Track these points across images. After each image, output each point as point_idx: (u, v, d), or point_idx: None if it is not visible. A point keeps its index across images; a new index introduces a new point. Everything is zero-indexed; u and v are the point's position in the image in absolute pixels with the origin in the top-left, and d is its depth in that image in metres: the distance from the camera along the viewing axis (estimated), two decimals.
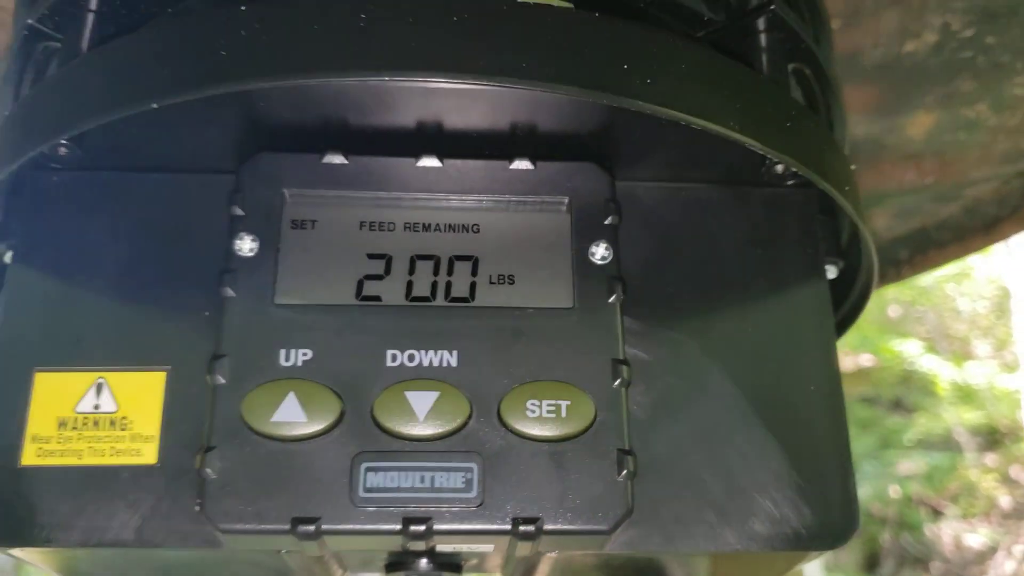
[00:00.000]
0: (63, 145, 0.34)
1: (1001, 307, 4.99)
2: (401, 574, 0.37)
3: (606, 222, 0.34)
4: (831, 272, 0.38)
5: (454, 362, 0.32)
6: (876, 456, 4.51)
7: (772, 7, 0.34)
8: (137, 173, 0.36)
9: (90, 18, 0.35)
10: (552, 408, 0.31)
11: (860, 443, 4.56)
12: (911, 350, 4.53)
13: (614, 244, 0.34)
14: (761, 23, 0.35)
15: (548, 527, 0.30)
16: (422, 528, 0.30)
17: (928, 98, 0.52)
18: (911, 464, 4.46)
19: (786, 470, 0.33)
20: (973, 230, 0.64)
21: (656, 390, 0.33)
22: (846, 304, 0.41)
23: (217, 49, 0.29)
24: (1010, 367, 4.60)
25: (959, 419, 4.46)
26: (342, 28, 0.28)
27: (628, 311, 0.34)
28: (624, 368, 0.32)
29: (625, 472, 0.31)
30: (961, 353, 4.85)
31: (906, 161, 0.58)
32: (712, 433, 0.33)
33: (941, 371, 4.49)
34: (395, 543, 0.31)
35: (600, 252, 0.34)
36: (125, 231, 0.35)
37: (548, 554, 0.33)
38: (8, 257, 0.35)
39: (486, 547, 0.32)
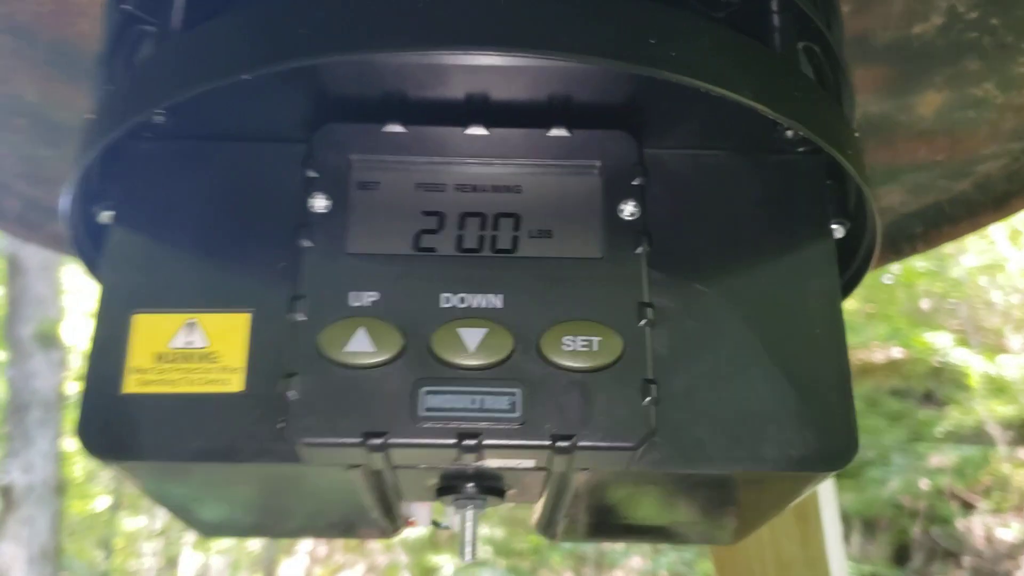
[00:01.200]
0: (160, 114, 0.39)
1: None
2: (451, 497, 0.42)
3: (634, 183, 0.39)
4: (839, 232, 0.42)
5: (499, 304, 0.37)
6: (907, 449, 4.50)
7: None
8: (221, 142, 0.40)
9: (181, 2, 0.39)
10: (585, 343, 0.36)
11: (890, 435, 4.56)
12: (943, 342, 4.51)
13: (641, 202, 0.38)
14: (774, 4, 0.39)
15: (582, 443, 0.34)
16: (473, 442, 0.34)
17: (937, 78, 0.56)
18: (942, 457, 4.45)
19: (792, 401, 0.37)
20: (984, 205, 0.68)
21: (677, 331, 0.38)
22: (855, 261, 0.45)
23: (294, 28, 0.33)
24: None
25: (991, 412, 4.43)
26: (402, 7, 0.32)
27: (653, 263, 0.38)
28: (648, 310, 0.37)
29: (649, 399, 0.35)
30: (994, 346, 4.82)
31: (918, 138, 0.61)
32: (726, 369, 0.37)
33: (973, 364, 4.46)
34: (450, 457, 0.35)
35: (628, 209, 0.38)
36: (210, 192, 0.40)
37: (580, 473, 0.38)
38: (104, 217, 0.40)
39: (527, 463, 0.36)
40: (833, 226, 0.41)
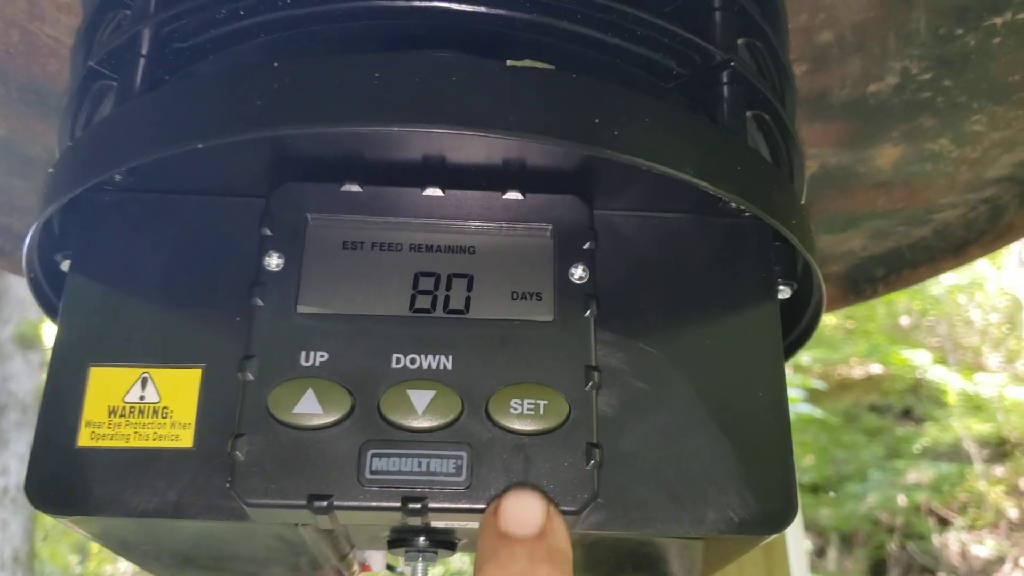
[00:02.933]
0: (118, 173, 0.39)
1: (1013, 319, 5.00)
2: (402, 550, 0.43)
3: (584, 247, 0.40)
4: (785, 293, 0.43)
5: (449, 365, 0.37)
6: (884, 465, 4.53)
7: (732, 64, 0.39)
8: (180, 195, 0.41)
9: (142, 62, 0.40)
10: (532, 406, 0.37)
11: (868, 451, 4.59)
12: (921, 360, 4.54)
13: (591, 266, 0.39)
14: (724, 76, 0.40)
15: None
16: (419, 506, 0.35)
17: (893, 133, 0.57)
18: (919, 473, 4.48)
19: (735, 465, 0.38)
20: (943, 252, 0.69)
21: (624, 392, 0.39)
22: (801, 323, 0.46)
23: (254, 98, 0.34)
24: (1021, 379, 4.60)
25: (968, 430, 4.47)
26: (359, 84, 0.33)
27: (602, 324, 0.39)
28: (595, 373, 0.37)
29: (592, 462, 0.36)
30: (972, 364, 4.86)
31: (877, 188, 0.63)
32: (672, 432, 0.38)
33: (951, 381, 4.49)
34: (395, 519, 0.36)
35: (578, 273, 0.39)
36: (168, 246, 0.40)
37: None
38: (66, 266, 0.41)
39: (473, 524, 0.37)
40: (780, 287, 0.42)
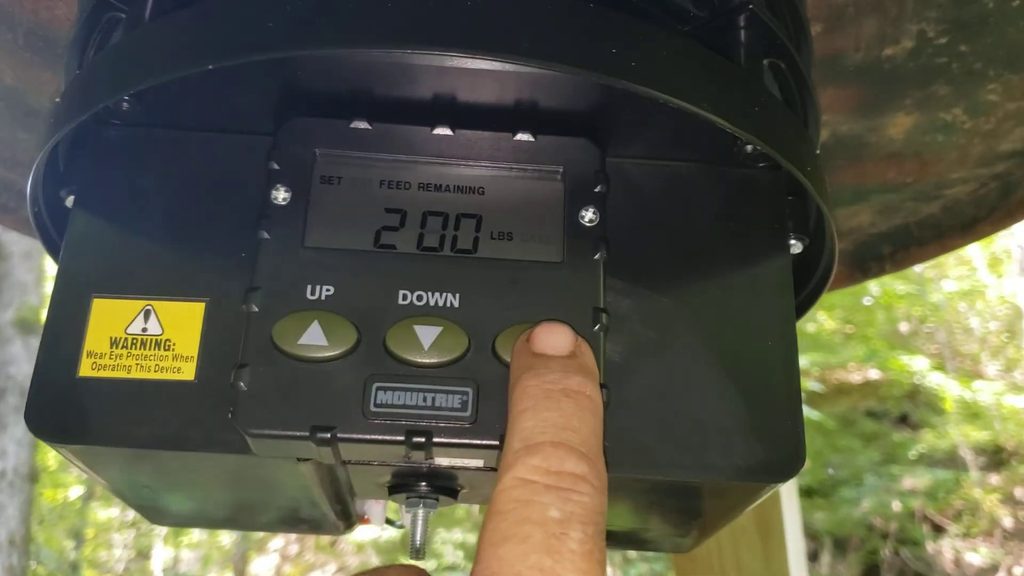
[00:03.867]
0: (125, 101, 0.39)
1: (1013, 328, 5.00)
2: (403, 496, 0.42)
3: (595, 190, 0.39)
4: (797, 247, 0.42)
5: (456, 303, 0.37)
6: (880, 470, 4.53)
7: (751, 6, 0.39)
8: (188, 132, 0.40)
9: None
10: None
11: (864, 456, 4.59)
12: (919, 366, 4.54)
13: (601, 209, 0.39)
14: (741, 20, 0.40)
15: None
16: (423, 439, 0.34)
17: (907, 100, 0.56)
18: (915, 480, 4.48)
19: (742, 412, 0.37)
20: (952, 229, 0.69)
21: (631, 338, 0.38)
22: (813, 279, 0.45)
23: (263, 21, 0.33)
24: (1019, 387, 4.61)
25: (965, 437, 4.47)
26: (371, 6, 0.33)
27: (612, 270, 0.39)
28: (603, 315, 0.37)
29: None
30: (970, 371, 4.86)
31: (887, 160, 0.62)
32: (678, 378, 0.38)
33: (949, 388, 4.50)
34: (399, 453, 0.35)
35: (588, 215, 0.39)
36: (174, 181, 0.40)
37: None
38: (70, 201, 0.40)
39: (476, 462, 0.36)
40: (792, 241, 0.42)
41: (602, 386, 0.36)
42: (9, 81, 0.60)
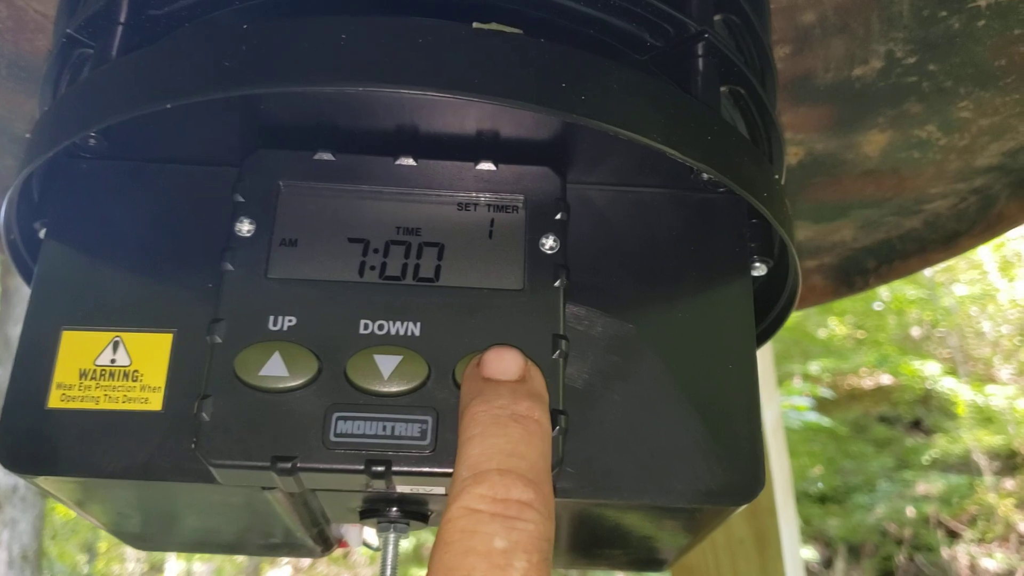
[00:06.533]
0: (92, 137, 0.40)
1: None
2: (374, 520, 0.43)
3: (556, 218, 0.40)
4: (761, 269, 0.43)
5: (417, 332, 0.37)
6: (893, 476, 4.51)
7: (707, 36, 0.39)
8: (155, 164, 0.41)
9: (120, 29, 0.40)
10: None
11: (877, 462, 4.57)
12: (931, 371, 4.52)
13: (562, 237, 0.39)
14: (699, 49, 0.40)
15: None
16: (382, 469, 0.35)
17: (880, 118, 0.57)
18: (928, 485, 4.46)
19: (702, 436, 0.38)
20: (934, 243, 0.69)
21: (592, 364, 0.39)
22: (780, 301, 0.46)
23: (222, 60, 0.34)
24: None
25: (978, 442, 4.45)
26: (326, 45, 0.33)
27: (573, 296, 0.39)
28: (563, 342, 0.37)
29: (557, 428, 0.36)
30: (983, 375, 4.84)
31: (865, 176, 0.62)
32: (640, 403, 0.38)
33: (962, 393, 4.47)
34: (360, 482, 0.36)
35: (549, 243, 0.39)
36: (143, 213, 0.41)
37: None
38: (43, 233, 0.41)
39: (438, 489, 0.37)
40: (755, 264, 0.42)
41: (560, 412, 0.36)
42: None
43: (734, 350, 0.39)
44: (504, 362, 0.35)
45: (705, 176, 0.40)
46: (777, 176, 0.42)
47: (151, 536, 0.47)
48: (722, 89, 0.41)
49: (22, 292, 3.49)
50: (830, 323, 4.91)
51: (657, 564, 0.50)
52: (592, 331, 0.39)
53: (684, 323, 0.40)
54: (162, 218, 0.40)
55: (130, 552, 5.44)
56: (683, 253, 0.41)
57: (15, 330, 3.46)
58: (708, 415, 0.38)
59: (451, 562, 0.29)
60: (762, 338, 0.47)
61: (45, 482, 0.38)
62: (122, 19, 0.40)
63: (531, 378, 0.35)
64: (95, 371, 0.38)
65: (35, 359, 0.38)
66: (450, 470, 0.35)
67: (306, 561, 5.42)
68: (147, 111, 0.34)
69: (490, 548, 0.29)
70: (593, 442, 0.37)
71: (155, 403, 0.37)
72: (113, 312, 0.39)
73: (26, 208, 0.42)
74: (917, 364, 4.53)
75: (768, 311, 0.46)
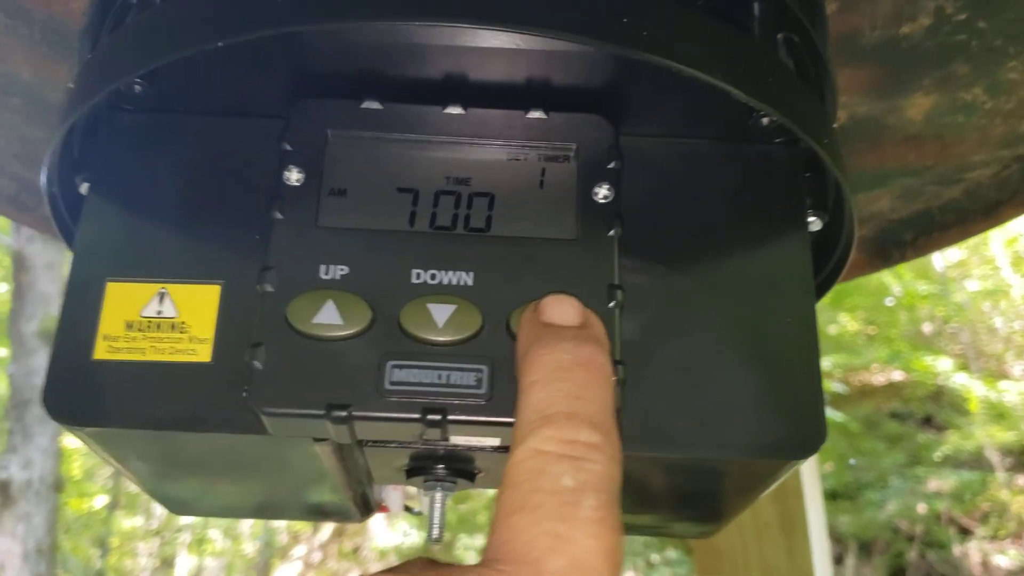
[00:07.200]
0: (137, 83, 0.39)
1: None
2: (420, 479, 0.42)
3: (609, 166, 0.39)
4: (815, 224, 0.42)
5: (470, 281, 0.37)
6: (905, 472, 4.49)
7: None
8: (200, 115, 0.40)
9: None
10: None
11: (889, 459, 4.55)
12: (943, 367, 4.50)
13: (616, 186, 0.38)
14: None
15: None
16: (438, 417, 0.34)
17: (925, 80, 0.56)
18: (940, 481, 4.44)
19: (761, 389, 0.37)
20: (974, 213, 0.68)
21: (647, 315, 0.38)
22: (834, 255, 0.45)
23: None
24: None
25: (990, 438, 4.42)
26: None
27: (627, 248, 0.38)
28: (618, 292, 0.37)
29: (615, 378, 0.35)
30: (995, 371, 4.81)
31: (907, 142, 0.61)
32: (696, 355, 0.37)
33: (974, 389, 4.45)
34: (415, 431, 0.35)
35: (603, 192, 0.38)
36: (187, 165, 0.40)
37: None
38: (85, 188, 0.40)
39: (492, 440, 0.36)
40: (810, 219, 0.41)
41: (618, 363, 0.35)
42: (27, 77, 0.60)
43: (793, 304, 0.39)
44: (564, 307, 0.34)
45: (764, 122, 0.39)
46: (836, 125, 0.41)
47: (191, 500, 0.46)
48: (778, 36, 0.40)
49: (35, 289, 3.49)
50: (841, 319, 4.89)
51: (706, 527, 0.49)
52: (647, 283, 0.38)
53: (741, 276, 0.39)
54: (206, 170, 0.40)
55: (142, 546, 5.45)
56: (739, 205, 0.40)
57: (28, 326, 3.47)
58: (767, 368, 0.37)
59: (519, 501, 0.28)
60: (817, 293, 0.46)
61: (92, 434, 0.37)
62: None
63: (591, 324, 0.35)
64: (141, 322, 0.37)
65: (80, 311, 0.37)
66: (506, 419, 0.34)
67: (317, 556, 5.42)
68: (199, 50, 0.33)
69: (559, 486, 0.29)
70: (649, 395, 0.37)
71: (204, 354, 0.37)
72: (158, 264, 0.38)
73: (66, 163, 0.41)
74: (929, 360, 4.50)
75: (819, 268, 0.45)
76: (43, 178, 0.41)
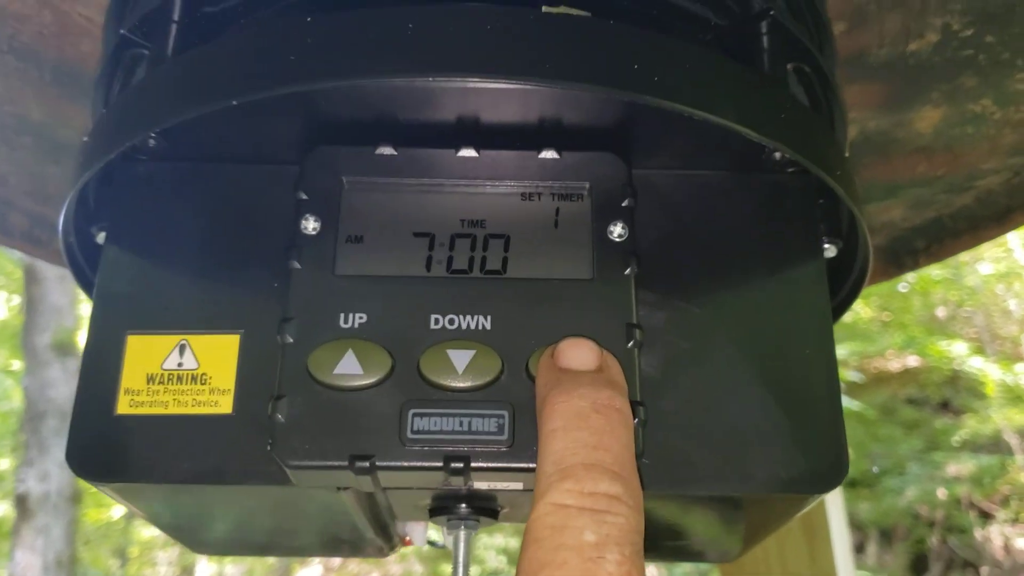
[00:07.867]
0: (152, 137, 0.39)
1: None
2: (444, 519, 0.42)
3: (623, 204, 0.39)
4: (831, 251, 0.42)
5: (488, 325, 0.37)
6: (923, 458, 4.47)
7: (772, 12, 0.39)
8: (214, 164, 0.41)
9: (174, 28, 0.40)
10: None
11: (907, 444, 4.53)
12: (959, 351, 4.48)
13: (630, 224, 0.39)
14: (763, 27, 0.39)
15: None
16: (461, 465, 0.34)
17: (934, 94, 0.56)
18: (959, 466, 4.42)
19: (782, 422, 0.37)
20: (987, 219, 0.67)
21: (666, 352, 0.38)
22: (848, 282, 0.45)
23: (286, 54, 0.34)
24: None
25: (1008, 421, 4.40)
26: (393, 36, 0.33)
27: (642, 283, 0.38)
28: (637, 331, 0.37)
29: (636, 420, 0.35)
30: (1011, 354, 4.79)
31: (917, 154, 0.61)
32: (716, 390, 0.37)
33: (990, 372, 4.43)
34: (437, 479, 0.35)
35: (617, 231, 0.38)
36: (203, 214, 0.40)
37: None
38: (101, 238, 0.41)
39: (515, 484, 0.36)
40: (825, 245, 0.41)
41: (638, 403, 0.35)
42: (37, 117, 0.61)
43: (811, 334, 0.39)
44: (581, 351, 0.35)
45: (776, 156, 0.39)
46: (846, 153, 0.41)
47: (217, 541, 0.47)
48: (787, 67, 0.40)
49: (47, 301, 3.51)
50: (855, 306, 4.87)
51: (726, 555, 0.49)
52: (665, 318, 0.38)
53: (758, 308, 0.39)
54: (222, 218, 0.40)
55: (161, 556, 5.48)
56: (754, 236, 0.40)
57: (41, 339, 3.48)
58: (787, 401, 0.37)
59: (543, 558, 0.29)
60: (833, 316, 0.46)
61: (117, 490, 0.37)
62: (176, 17, 0.40)
63: (609, 367, 0.35)
64: (162, 375, 0.37)
65: (101, 365, 0.38)
66: (528, 464, 0.34)
67: (336, 560, 5.43)
68: (212, 109, 0.33)
69: (581, 542, 0.29)
70: (671, 432, 0.37)
71: (225, 406, 0.37)
72: (177, 315, 0.38)
73: (82, 213, 0.42)
74: (944, 345, 4.48)
75: (835, 291, 0.45)
76: (60, 228, 0.41)
